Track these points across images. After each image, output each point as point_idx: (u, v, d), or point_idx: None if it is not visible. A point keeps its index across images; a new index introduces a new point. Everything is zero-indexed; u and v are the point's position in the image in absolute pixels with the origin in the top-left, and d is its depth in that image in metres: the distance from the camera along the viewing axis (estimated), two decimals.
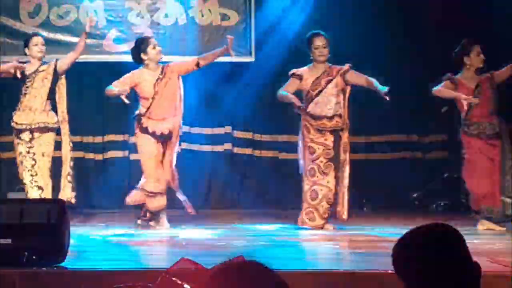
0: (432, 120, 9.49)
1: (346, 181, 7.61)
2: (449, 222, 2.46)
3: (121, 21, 9.71)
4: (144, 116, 7.85)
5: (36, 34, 8.32)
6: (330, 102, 7.75)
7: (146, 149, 7.93)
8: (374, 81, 7.62)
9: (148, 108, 7.85)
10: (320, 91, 7.75)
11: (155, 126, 7.85)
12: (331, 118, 7.75)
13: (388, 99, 7.49)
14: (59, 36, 9.53)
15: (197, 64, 8.06)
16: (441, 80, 7.77)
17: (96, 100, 9.65)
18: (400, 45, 9.47)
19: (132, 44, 8.55)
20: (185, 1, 9.73)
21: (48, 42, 9.08)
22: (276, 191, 9.63)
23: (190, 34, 9.74)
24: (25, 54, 8.02)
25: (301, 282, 4.85)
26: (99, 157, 9.86)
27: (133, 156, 9.61)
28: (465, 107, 7.65)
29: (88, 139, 9.68)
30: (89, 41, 9.17)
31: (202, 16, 9.72)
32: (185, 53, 9.33)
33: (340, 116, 7.78)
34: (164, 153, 7.94)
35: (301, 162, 7.83)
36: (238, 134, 9.93)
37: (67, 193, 8.00)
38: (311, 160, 7.67)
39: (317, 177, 7.61)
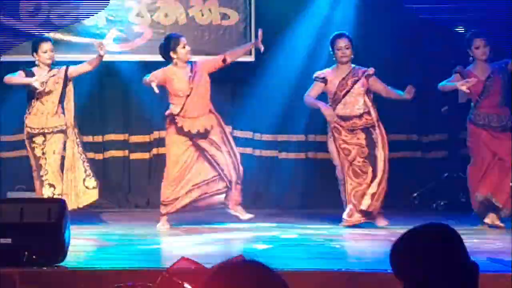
0: (432, 120, 9.45)
1: (380, 176, 7.65)
2: (449, 222, 2.46)
3: (121, 20, 9.63)
4: (178, 116, 7.84)
5: (44, 39, 8.37)
6: (358, 102, 7.85)
7: (174, 152, 7.94)
8: (394, 92, 7.77)
9: (183, 107, 7.84)
10: (348, 92, 7.86)
11: (191, 125, 7.87)
12: (360, 116, 7.84)
13: (410, 97, 7.64)
14: (58, 36, 9.39)
15: (224, 60, 8.10)
16: (452, 73, 7.84)
17: (97, 100, 9.68)
18: (404, 48, 9.44)
19: (137, 43, 8.84)
20: (185, 0, 9.68)
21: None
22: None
23: (190, 34, 9.57)
24: (33, 55, 8.13)
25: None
26: (99, 156, 9.82)
27: (133, 156, 9.75)
28: (466, 91, 7.65)
29: (88, 138, 9.62)
30: (88, 40, 9.30)
31: (202, 15, 9.63)
32: None
33: (368, 113, 7.86)
34: (202, 153, 7.92)
35: (337, 165, 7.88)
36: (237, 133, 9.79)
37: (93, 196, 8.13)
38: (349, 161, 7.75)
39: (362, 178, 7.74)
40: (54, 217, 5.55)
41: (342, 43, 7.80)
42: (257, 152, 9.70)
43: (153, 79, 7.75)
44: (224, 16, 9.70)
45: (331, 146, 7.98)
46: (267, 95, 9.29)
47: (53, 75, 8.22)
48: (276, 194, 9.46)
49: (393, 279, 2.34)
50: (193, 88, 7.91)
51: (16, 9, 9.41)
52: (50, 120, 8.19)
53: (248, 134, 9.69)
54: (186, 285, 3.59)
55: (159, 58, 8.67)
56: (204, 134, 7.98)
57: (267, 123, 9.67)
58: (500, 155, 7.71)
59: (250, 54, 9.42)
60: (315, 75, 8.02)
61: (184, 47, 7.94)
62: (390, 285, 2.51)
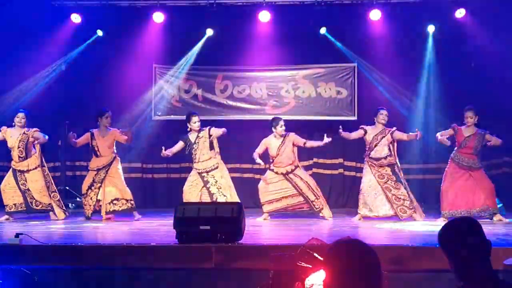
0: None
1: (403, 190, 9.47)
2: None
3: (275, 94, 12.08)
4: (272, 164, 9.89)
5: (194, 114, 10.04)
6: (384, 150, 9.65)
7: (271, 181, 9.83)
8: (410, 135, 9.48)
9: (273, 161, 9.84)
10: (377, 144, 9.66)
11: (279, 170, 9.89)
12: (385, 158, 9.68)
13: (419, 138, 9.38)
14: (238, 104, 11.95)
15: (304, 144, 9.90)
16: (448, 127, 9.44)
17: (237, 147, 11.48)
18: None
19: (285, 108, 11.00)
20: (315, 82, 11.88)
21: (232, 107, 11.78)
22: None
23: (318, 103, 11.93)
24: (187, 124, 9.85)
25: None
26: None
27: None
28: (449, 143, 9.23)
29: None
30: (256, 106, 11.81)
31: (325, 91, 11.98)
32: (313, 114, 11.87)
33: (390, 155, 9.64)
34: (296, 177, 9.82)
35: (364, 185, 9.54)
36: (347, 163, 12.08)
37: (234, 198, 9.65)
38: (384, 182, 9.53)
39: (393, 191, 9.53)
40: (235, 213, 6.26)
41: (384, 113, 9.64)
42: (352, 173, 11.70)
43: (255, 157, 9.62)
44: (338, 92, 11.99)
45: (366, 177, 9.57)
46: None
47: (202, 137, 9.85)
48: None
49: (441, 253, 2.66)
50: (279, 152, 9.69)
51: (212, 86, 12.08)
52: (205, 163, 9.82)
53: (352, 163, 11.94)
54: (315, 255, 3.72)
55: (298, 117, 11.21)
56: (289, 172, 9.79)
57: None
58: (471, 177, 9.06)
59: (354, 115, 11.52)
60: (361, 126, 9.71)
61: (281, 126, 9.78)
62: (442, 257, 2.72)
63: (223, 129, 9.84)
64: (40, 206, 9.77)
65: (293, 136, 9.79)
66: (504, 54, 11.02)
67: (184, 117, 10.21)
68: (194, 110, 11.39)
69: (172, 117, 12.00)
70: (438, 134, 9.48)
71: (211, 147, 9.82)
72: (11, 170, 9.91)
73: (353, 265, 2.39)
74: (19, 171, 9.76)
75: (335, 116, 11.35)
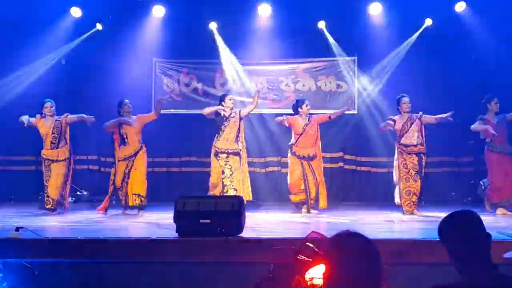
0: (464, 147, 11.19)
1: (418, 184, 9.29)
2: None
3: (275, 88, 12.10)
4: (294, 145, 9.77)
5: (227, 94, 10.20)
6: (414, 136, 9.44)
7: (293, 167, 9.79)
8: (441, 116, 9.20)
9: (296, 141, 9.75)
10: (407, 130, 9.50)
11: (300, 151, 9.71)
12: (415, 145, 9.45)
13: (451, 119, 9.06)
14: (238, 98, 11.58)
15: (329, 117, 10.03)
16: (476, 120, 9.46)
17: (252, 131, 11.44)
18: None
19: (285, 102, 10.95)
20: (315, 76, 11.88)
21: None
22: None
23: (318, 97, 11.91)
24: (221, 105, 9.73)
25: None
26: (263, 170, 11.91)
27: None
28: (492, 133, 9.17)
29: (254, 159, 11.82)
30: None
31: (325, 85, 12.01)
32: (313, 107, 10.83)
33: (421, 144, 9.41)
34: (310, 169, 9.66)
35: (395, 174, 9.38)
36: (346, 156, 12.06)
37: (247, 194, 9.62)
38: (406, 172, 9.33)
39: (410, 182, 9.36)
40: (235, 207, 6.29)
41: (406, 100, 9.42)
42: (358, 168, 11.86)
43: (285, 119, 9.70)
44: (338, 86, 12.03)
45: (396, 162, 9.40)
46: (363, 129, 11.48)
47: (233, 116, 9.76)
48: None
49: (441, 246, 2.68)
50: (305, 131, 9.65)
51: (212, 80, 11.98)
52: (231, 145, 9.65)
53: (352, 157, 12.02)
54: (315, 248, 3.75)
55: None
56: (312, 157, 9.67)
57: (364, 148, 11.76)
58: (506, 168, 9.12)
59: (355, 109, 11.61)
60: (389, 116, 9.59)
61: (307, 106, 9.85)
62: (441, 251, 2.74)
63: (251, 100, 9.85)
64: (50, 205, 9.71)
65: (317, 116, 9.88)
66: (504, 48, 11.05)
67: (184, 111, 10.50)
68: (194, 104, 11.49)
69: (172, 111, 12.01)
70: (478, 126, 9.48)
71: (239, 130, 9.80)
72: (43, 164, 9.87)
73: (354, 259, 2.40)
74: (48, 160, 9.72)
75: (335, 109, 11.05)
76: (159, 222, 8.32)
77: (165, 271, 5.65)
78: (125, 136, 9.69)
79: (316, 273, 3.55)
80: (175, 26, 11.95)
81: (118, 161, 9.71)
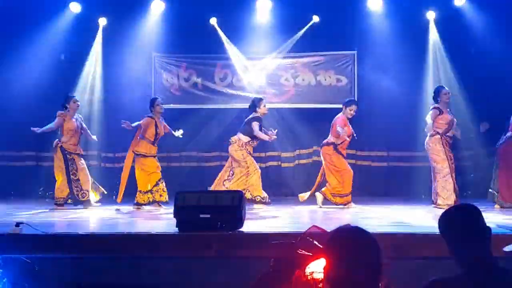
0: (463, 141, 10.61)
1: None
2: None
3: (275, 83, 12.20)
4: (340, 145, 9.66)
5: (262, 99, 9.99)
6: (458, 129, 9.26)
7: (344, 166, 9.69)
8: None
9: (343, 142, 9.63)
10: (454, 123, 9.20)
11: (344, 151, 9.73)
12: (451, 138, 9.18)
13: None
14: (237, 92, 12.04)
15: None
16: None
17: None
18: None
19: (284, 97, 11.03)
20: (314, 70, 11.92)
21: (231, 95, 11.83)
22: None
23: (318, 91, 11.99)
24: (255, 111, 9.71)
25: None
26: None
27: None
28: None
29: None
30: (256, 95, 11.07)
31: (325, 80, 12.07)
32: (313, 102, 11.91)
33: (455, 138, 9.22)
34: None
35: (438, 165, 9.05)
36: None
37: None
38: (452, 163, 9.09)
39: (451, 175, 9.12)
40: (236, 202, 6.25)
41: (446, 90, 9.23)
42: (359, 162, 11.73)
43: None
44: (338, 80, 12.06)
45: (441, 154, 9.03)
46: (368, 120, 11.21)
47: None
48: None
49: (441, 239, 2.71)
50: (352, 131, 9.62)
51: (212, 75, 12.10)
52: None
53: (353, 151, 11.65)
54: (315, 242, 3.75)
55: (298, 105, 11.35)
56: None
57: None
58: None
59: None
60: (434, 106, 9.11)
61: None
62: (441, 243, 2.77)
63: None
64: (87, 197, 9.78)
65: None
66: (504, 42, 11.06)
67: (183, 106, 10.49)
68: (193, 98, 11.57)
69: (172, 105, 11.98)
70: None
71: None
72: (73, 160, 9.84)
73: (354, 253, 2.41)
74: (73, 154, 9.72)
75: (335, 104, 11.23)
76: (159, 217, 8.31)
77: (165, 265, 5.65)
78: (158, 137, 9.77)
79: (317, 267, 3.54)
80: (175, 20, 11.97)
81: (150, 156, 9.70)
